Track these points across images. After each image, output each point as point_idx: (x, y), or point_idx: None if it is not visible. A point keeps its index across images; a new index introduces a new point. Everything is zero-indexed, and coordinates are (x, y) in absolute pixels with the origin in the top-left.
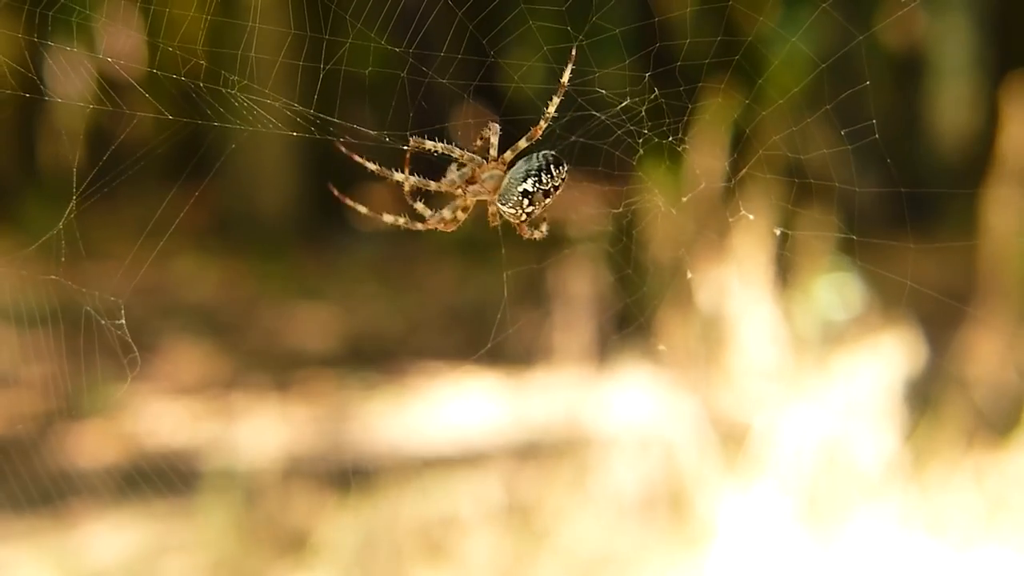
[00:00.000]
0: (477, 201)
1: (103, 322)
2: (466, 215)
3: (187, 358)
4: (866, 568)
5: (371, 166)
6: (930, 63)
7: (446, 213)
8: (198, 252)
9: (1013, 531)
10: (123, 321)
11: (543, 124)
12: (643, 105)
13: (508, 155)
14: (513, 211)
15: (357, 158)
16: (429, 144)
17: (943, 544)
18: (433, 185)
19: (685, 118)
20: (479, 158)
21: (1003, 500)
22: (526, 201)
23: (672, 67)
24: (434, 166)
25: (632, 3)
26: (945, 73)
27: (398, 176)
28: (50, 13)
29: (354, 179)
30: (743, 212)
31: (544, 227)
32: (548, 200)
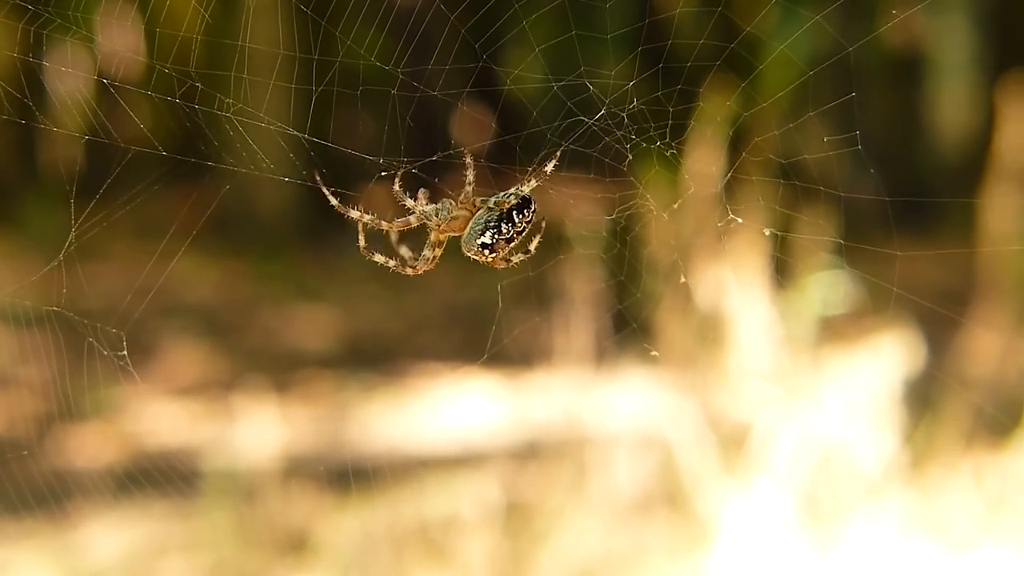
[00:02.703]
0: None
1: (106, 353)
2: (441, 250)
3: (186, 358)
4: (865, 570)
5: (334, 201)
6: (930, 63)
7: (427, 252)
8: (197, 252)
9: (1013, 532)
10: (125, 352)
11: (512, 200)
12: (633, 109)
13: (477, 201)
14: (476, 258)
15: (328, 194)
16: (411, 204)
17: (943, 545)
18: (391, 226)
19: (670, 121)
20: (450, 203)
21: (1003, 501)
22: (487, 251)
23: (665, 68)
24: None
25: (628, 4)
26: (944, 72)
27: (353, 213)
28: (44, 32)
29: (353, 185)
30: (731, 216)
31: (533, 244)
32: (512, 244)
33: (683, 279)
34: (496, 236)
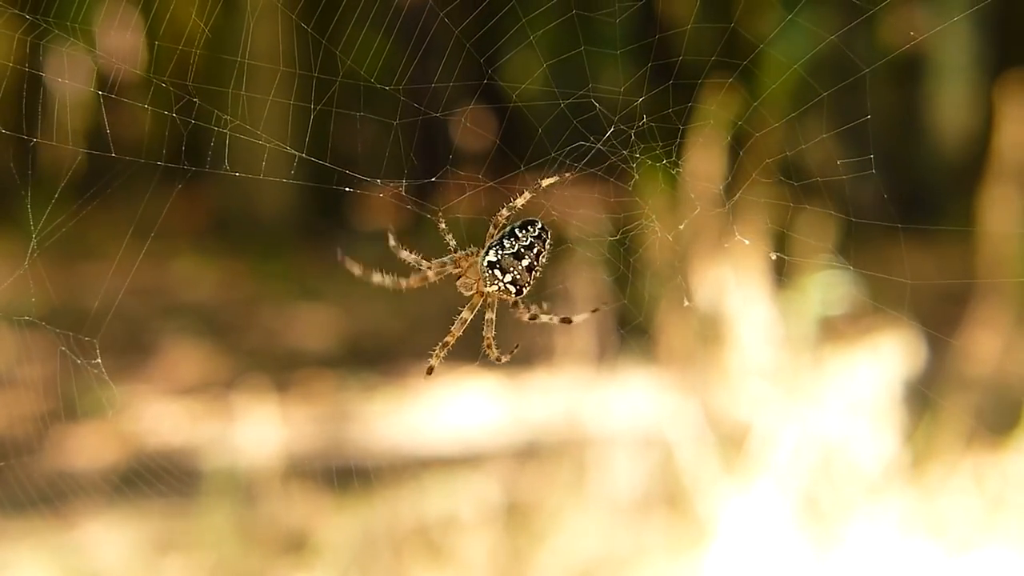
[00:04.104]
0: (477, 294)
1: (79, 362)
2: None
3: (187, 358)
4: (865, 570)
5: (355, 270)
6: (930, 63)
7: (463, 291)
8: (197, 252)
9: (1013, 532)
10: (99, 360)
11: (504, 213)
12: (643, 127)
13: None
14: (496, 287)
15: (348, 265)
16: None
17: (943, 545)
18: (427, 270)
19: (678, 140)
20: (458, 254)
21: (1003, 501)
22: (499, 271)
23: (672, 84)
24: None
25: (632, 17)
26: (944, 72)
27: (375, 278)
28: (41, 42)
29: (353, 184)
30: (738, 237)
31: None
32: (525, 262)
33: (686, 302)
34: (500, 252)
